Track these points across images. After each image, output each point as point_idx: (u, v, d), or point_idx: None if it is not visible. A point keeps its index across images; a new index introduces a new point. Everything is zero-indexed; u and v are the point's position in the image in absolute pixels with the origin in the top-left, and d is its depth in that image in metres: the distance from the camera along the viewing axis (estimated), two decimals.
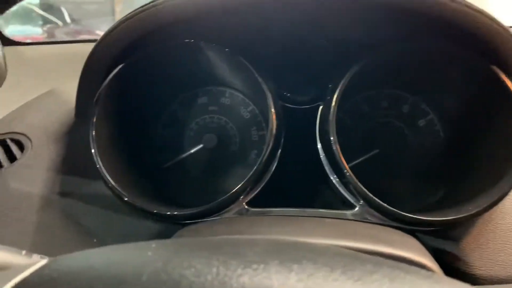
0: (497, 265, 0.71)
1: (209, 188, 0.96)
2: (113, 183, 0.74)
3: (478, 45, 0.73)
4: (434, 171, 0.91)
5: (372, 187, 0.91)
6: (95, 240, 0.76)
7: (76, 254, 0.36)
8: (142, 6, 0.78)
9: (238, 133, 0.99)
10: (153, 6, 0.76)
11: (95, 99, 0.77)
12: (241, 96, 0.99)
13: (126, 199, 0.73)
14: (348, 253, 0.39)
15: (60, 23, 4.52)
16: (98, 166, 0.74)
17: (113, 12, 4.33)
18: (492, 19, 0.70)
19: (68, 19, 4.54)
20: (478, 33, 0.71)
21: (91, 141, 0.75)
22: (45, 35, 4.39)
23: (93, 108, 0.77)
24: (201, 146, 0.96)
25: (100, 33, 0.78)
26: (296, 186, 0.88)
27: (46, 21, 4.40)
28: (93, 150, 0.75)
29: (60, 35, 4.31)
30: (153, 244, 0.39)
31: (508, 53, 0.72)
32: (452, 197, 0.84)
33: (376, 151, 0.92)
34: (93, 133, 0.75)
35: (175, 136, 0.99)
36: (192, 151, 0.95)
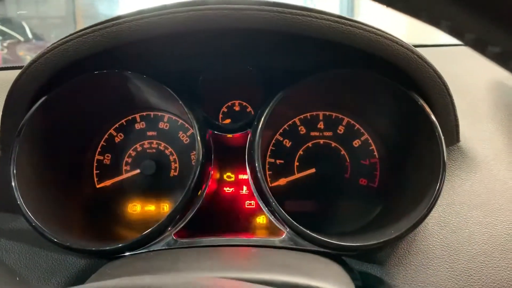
0: (420, 286, 0.72)
1: (147, 217, 0.95)
2: (35, 220, 0.72)
3: (398, 72, 0.75)
4: (369, 192, 0.93)
5: (307, 211, 0.92)
6: (17, 279, 0.73)
7: None
8: (67, 36, 0.77)
9: (178, 158, 0.98)
10: (80, 35, 0.75)
11: (16, 133, 0.75)
12: (179, 121, 0.99)
13: (48, 236, 0.72)
14: None
15: (21, 38, 4.42)
16: (18, 202, 0.72)
17: (75, 27, 4.27)
18: (408, 48, 0.73)
19: (29, 34, 4.45)
20: (397, 61, 0.73)
21: (11, 176, 0.73)
22: (5, 50, 4.28)
23: (14, 143, 0.75)
24: (137, 171, 0.94)
25: None
26: (229, 213, 0.88)
27: (6, 36, 4.30)
28: (13, 186, 0.73)
29: (21, 50, 4.22)
30: None
31: (424, 79, 0.74)
32: (383, 218, 0.85)
33: (312, 170, 0.93)
34: (13, 169, 0.73)
35: (112, 163, 0.98)
36: (127, 175, 0.94)
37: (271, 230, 0.86)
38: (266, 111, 0.77)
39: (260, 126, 0.77)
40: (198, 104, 0.86)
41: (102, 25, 0.72)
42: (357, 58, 0.76)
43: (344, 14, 0.73)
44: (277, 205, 0.73)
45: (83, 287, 0.46)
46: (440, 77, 0.74)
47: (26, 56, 4.13)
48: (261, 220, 0.91)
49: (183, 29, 0.69)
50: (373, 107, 0.90)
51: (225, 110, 0.94)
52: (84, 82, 0.79)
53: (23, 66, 0.78)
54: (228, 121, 0.92)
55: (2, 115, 0.79)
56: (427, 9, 0.32)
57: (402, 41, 0.72)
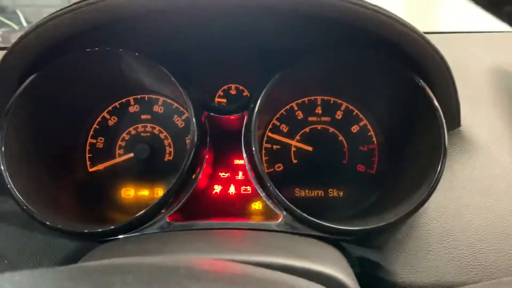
0: (418, 271, 0.70)
1: (140, 202, 0.93)
2: (25, 203, 0.70)
3: (400, 54, 0.73)
4: (367, 177, 0.91)
5: (305, 196, 0.91)
6: (6, 262, 0.71)
7: None
8: (55, 12, 0.74)
9: (172, 142, 0.96)
10: (70, 10, 0.72)
11: (4, 112, 0.73)
12: (174, 104, 0.97)
13: (39, 218, 0.69)
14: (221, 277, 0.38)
15: (16, 27, 4.35)
16: (8, 185, 0.70)
17: None
18: (409, 27, 0.70)
19: (24, 23, 4.38)
20: (397, 41, 0.71)
21: (0, 157, 0.71)
22: (0, 39, 4.21)
23: (2, 122, 0.72)
24: (131, 155, 0.92)
25: None
26: (224, 198, 0.86)
27: (0, 24, 4.22)
28: (2, 168, 0.70)
29: (16, 39, 4.15)
30: (16, 275, 0.38)
31: (425, 60, 0.72)
32: (381, 204, 0.84)
33: (309, 148, 0.91)
34: (2, 149, 0.71)
35: (105, 146, 0.95)
36: (120, 159, 0.92)
37: (267, 216, 0.84)
38: (264, 92, 0.75)
39: (257, 107, 0.75)
40: (193, 86, 0.83)
41: None
42: (358, 39, 0.74)
43: None
44: (274, 187, 0.72)
45: (69, 268, 0.44)
46: (442, 58, 0.71)
47: None
48: (256, 206, 0.90)
49: (184, 5, 0.67)
50: (373, 91, 0.88)
51: (221, 93, 0.92)
52: (74, 60, 0.77)
53: None
54: (224, 100, 0.89)
55: None
56: None
57: (403, 19, 0.70)
